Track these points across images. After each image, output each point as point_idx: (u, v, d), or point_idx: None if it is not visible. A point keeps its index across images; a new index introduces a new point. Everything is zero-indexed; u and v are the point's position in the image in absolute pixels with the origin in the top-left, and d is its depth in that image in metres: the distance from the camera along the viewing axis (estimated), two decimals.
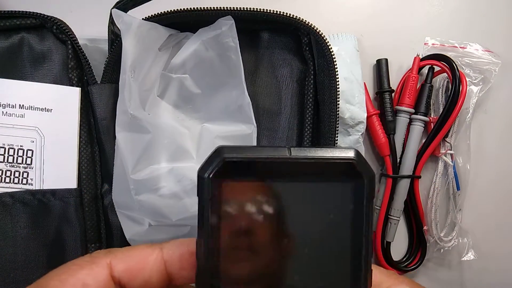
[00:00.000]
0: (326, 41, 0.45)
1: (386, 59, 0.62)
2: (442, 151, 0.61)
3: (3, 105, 0.43)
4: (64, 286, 0.27)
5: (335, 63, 0.45)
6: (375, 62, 0.63)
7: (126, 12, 0.44)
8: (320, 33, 0.45)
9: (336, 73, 0.45)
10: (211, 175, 0.27)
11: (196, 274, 0.28)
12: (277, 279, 0.28)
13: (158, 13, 0.43)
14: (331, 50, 0.45)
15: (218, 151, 0.27)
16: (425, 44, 0.63)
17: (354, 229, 0.28)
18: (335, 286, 0.28)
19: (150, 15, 0.43)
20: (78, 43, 0.45)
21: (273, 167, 0.27)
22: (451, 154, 0.61)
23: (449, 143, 0.61)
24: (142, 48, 0.42)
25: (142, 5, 0.44)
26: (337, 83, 0.46)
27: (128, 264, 0.29)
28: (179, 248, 0.30)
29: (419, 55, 0.61)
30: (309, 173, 0.27)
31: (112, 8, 0.43)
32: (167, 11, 0.43)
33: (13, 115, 0.44)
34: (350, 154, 0.27)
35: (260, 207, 0.27)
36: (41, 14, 0.44)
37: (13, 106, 0.43)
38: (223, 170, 0.26)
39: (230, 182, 0.27)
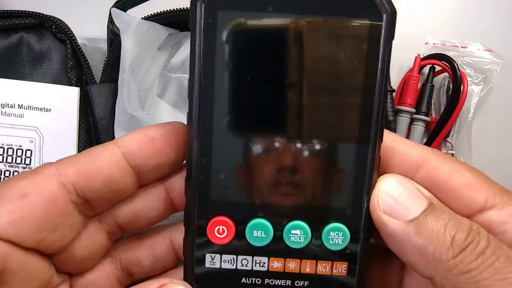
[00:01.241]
0: None
1: None
2: (443, 151, 0.61)
3: (2, 105, 0.43)
4: (0, 199, 0.24)
5: None
6: None
7: (125, 11, 0.44)
8: None
9: None
10: (205, 2, 0.24)
11: (188, 116, 0.26)
12: (283, 121, 0.26)
13: (157, 12, 0.43)
14: None
15: None
16: (426, 43, 0.63)
17: (367, 74, 0.26)
18: (342, 133, 0.27)
19: (149, 14, 0.44)
20: (77, 42, 0.45)
21: None
22: (452, 154, 0.61)
23: (450, 143, 0.61)
24: (141, 47, 0.42)
25: (142, 4, 0.44)
26: None
27: (77, 166, 0.26)
28: (136, 136, 0.27)
29: (420, 55, 0.61)
30: (322, 5, 0.25)
31: (111, 7, 0.44)
32: (167, 10, 0.44)
33: (12, 115, 0.44)
34: None
35: (263, 42, 0.25)
36: (40, 13, 0.44)
37: (12, 106, 0.44)
38: None
39: (228, 11, 0.24)
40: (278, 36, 0.25)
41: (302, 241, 0.27)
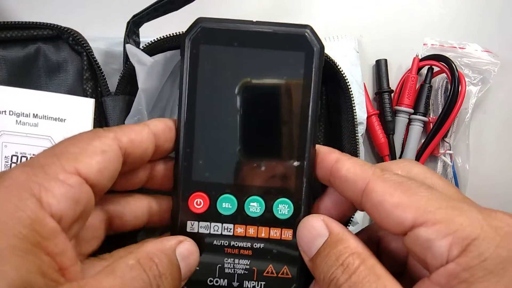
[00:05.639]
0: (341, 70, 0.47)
1: (386, 60, 0.65)
2: (441, 151, 0.65)
3: (17, 114, 0.45)
4: (86, 152, 0.31)
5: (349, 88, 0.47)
6: (374, 63, 0.66)
7: (141, 25, 0.47)
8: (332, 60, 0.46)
9: (352, 100, 0.47)
10: (191, 39, 0.36)
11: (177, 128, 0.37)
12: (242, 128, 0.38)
13: (170, 34, 0.44)
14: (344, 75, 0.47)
15: (197, 21, 0.36)
16: (424, 44, 0.66)
17: (304, 92, 0.37)
18: (283, 145, 0.38)
19: (161, 37, 0.44)
20: (93, 54, 0.47)
21: (240, 34, 0.36)
22: (450, 154, 0.65)
23: (448, 143, 0.64)
24: (157, 83, 0.44)
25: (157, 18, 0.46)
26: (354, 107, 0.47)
27: (129, 136, 0.35)
28: (160, 123, 0.37)
29: (418, 56, 0.64)
30: (269, 41, 0.37)
31: (129, 21, 0.46)
32: (177, 33, 0.45)
33: (27, 124, 0.46)
34: (305, 29, 0.37)
35: (229, 68, 0.37)
36: (57, 25, 0.46)
37: (27, 115, 0.45)
38: (200, 35, 0.36)
39: (206, 45, 0.36)
40: (241, 65, 0.37)
41: (258, 211, 0.38)
